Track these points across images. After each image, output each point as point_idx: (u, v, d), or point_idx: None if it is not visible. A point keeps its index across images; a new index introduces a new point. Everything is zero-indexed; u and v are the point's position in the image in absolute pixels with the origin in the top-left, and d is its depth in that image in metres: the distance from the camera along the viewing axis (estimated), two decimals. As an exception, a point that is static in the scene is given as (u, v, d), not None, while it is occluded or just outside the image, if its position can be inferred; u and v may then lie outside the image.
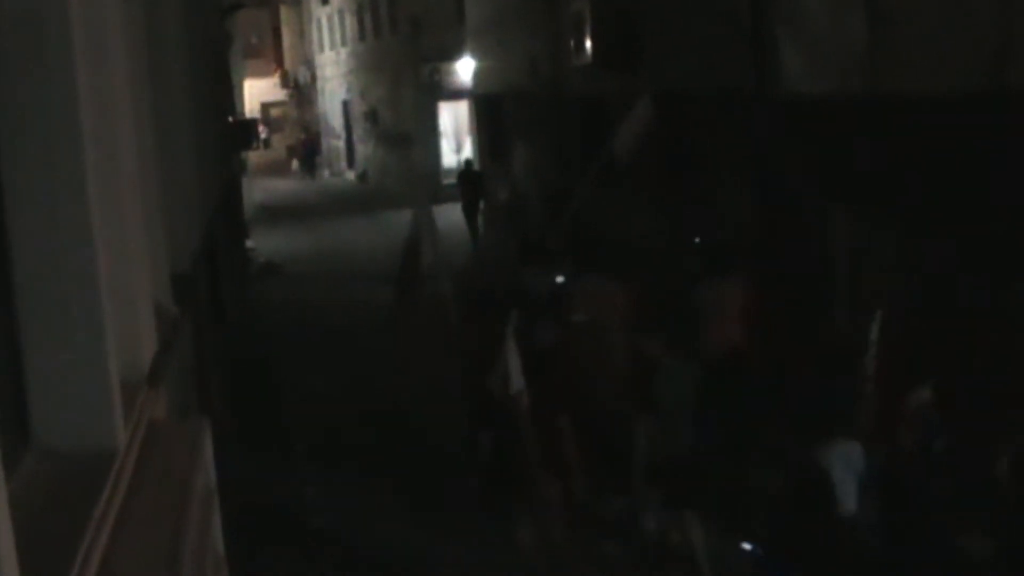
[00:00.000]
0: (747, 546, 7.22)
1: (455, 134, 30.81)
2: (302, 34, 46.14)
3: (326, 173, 41.15)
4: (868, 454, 6.60)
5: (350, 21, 37.59)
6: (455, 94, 28.75)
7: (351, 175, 38.43)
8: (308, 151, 42.54)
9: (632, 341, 8.55)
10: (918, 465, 6.48)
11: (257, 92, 45.20)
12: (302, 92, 46.61)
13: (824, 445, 6.58)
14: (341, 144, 40.39)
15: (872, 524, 6.53)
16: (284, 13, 46.94)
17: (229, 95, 22.04)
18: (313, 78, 44.38)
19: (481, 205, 22.83)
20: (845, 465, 6.45)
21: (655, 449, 7.89)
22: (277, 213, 30.71)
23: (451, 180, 27.26)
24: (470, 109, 28.14)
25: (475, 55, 23.53)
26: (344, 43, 38.93)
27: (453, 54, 27.10)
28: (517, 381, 7.43)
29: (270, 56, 48.42)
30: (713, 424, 7.91)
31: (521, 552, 7.97)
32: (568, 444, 7.90)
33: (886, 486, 6.47)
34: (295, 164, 43.57)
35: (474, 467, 9.02)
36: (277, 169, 43.31)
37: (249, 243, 22.67)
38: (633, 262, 11.90)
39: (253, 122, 26.91)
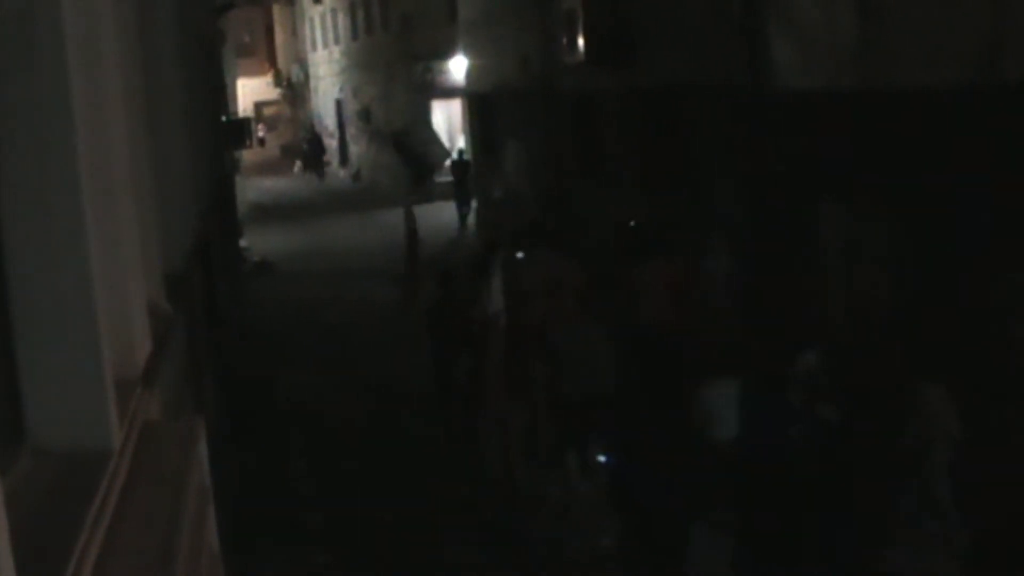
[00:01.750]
0: (601, 458, 8.29)
1: (448, 132, 30.77)
2: (295, 33, 46.05)
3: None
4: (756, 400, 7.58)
5: (343, 19, 37.54)
6: (448, 92, 28.67)
7: (344, 174, 38.35)
8: (315, 151, 41.10)
9: (561, 305, 9.66)
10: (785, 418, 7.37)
11: (250, 91, 45.02)
12: (295, 91, 46.47)
13: (707, 387, 7.84)
14: (334, 143, 40.31)
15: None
16: (277, 12, 46.85)
17: (222, 94, 22.00)
18: (306, 77, 44.27)
19: (474, 204, 22.87)
20: (725, 402, 7.58)
21: (550, 392, 9.06)
22: (271, 212, 30.67)
23: (444, 178, 27.23)
24: (463, 107, 28.08)
25: (468, 53, 23.46)
26: (337, 42, 38.87)
27: (446, 52, 27.02)
28: (497, 302, 8.64)
29: (263, 55, 48.30)
30: (634, 384, 8.87)
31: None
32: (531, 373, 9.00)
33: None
34: (297, 166, 42.50)
35: (447, 393, 10.06)
36: (271, 168, 43.09)
37: (243, 242, 22.65)
38: (588, 243, 13.20)
39: (246, 121, 26.78)
